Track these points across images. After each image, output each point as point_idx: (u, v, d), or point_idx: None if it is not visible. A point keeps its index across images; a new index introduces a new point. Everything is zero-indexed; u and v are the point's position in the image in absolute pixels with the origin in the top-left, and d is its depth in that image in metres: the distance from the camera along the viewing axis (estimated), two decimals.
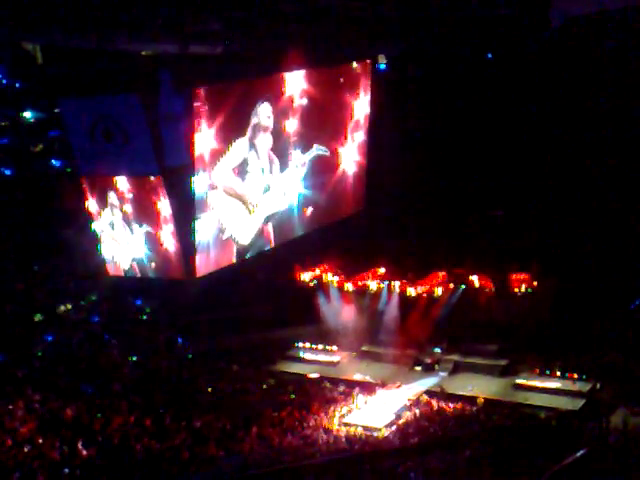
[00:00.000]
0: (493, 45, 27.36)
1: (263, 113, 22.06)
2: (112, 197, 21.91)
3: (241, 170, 21.93)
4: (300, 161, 23.82)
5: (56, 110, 23.78)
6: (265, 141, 22.46)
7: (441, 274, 30.64)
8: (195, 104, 19.52)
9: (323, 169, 25.03)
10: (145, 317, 30.36)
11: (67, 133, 21.99)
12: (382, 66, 27.15)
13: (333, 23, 21.40)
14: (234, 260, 22.84)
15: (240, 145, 21.63)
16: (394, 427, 24.32)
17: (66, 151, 24.16)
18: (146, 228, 21.78)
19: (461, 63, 28.58)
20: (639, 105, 27.11)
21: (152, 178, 20.67)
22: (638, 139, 27.62)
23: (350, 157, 25.72)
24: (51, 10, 17.03)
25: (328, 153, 24.75)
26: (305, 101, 23.09)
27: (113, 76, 19.89)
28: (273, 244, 23.91)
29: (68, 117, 21.41)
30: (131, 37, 19.40)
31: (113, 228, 22.42)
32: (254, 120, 21.89)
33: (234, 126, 21.24)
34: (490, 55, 28.62)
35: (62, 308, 29.06)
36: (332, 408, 25.55)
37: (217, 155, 20.88)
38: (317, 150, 24.23)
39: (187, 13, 18.37)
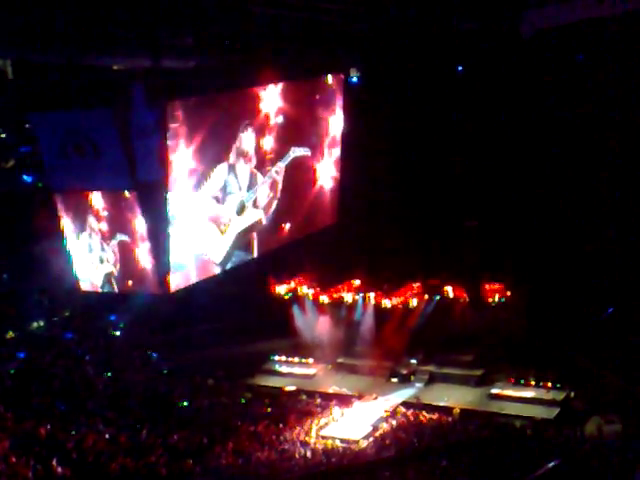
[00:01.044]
0: (463, 57, 27.59)
1: (245, 139, 21.96)
2: (88, 215, 21.65)
3: (220, 195, 21.83)
4: (277, 168, 23.74)
5: (27, 125, 23.57)
6: (245, 163, 22.36)
7: (416, 285, 30.74)
8: (172, 124, 19.33)
9: (298, 183, 24.98)
10: (119, 332, 30.12)
11: (38, 148, 21.77)
12: (354, 79, 27.28)
13: (305, 37, 21.50)
14: (216, 272, 22.69)
15: (220, 170, 21.49)
16: (371, 439, 24.31)
17: (38, 166, 23.95)
18: (121, 238, 21.54)
19: (431, 76, 28.73)
20: (609, 115, 27.44)
21: (127, 194, 20.50)
22: (611, 150, 27.93)
23: (325, 171, 25.76)
24: (21, 25, 16.93)
25: (309, 153, 24.67)
26: (282, 119, 23.05)
27: (84, 91, 19.72)
28: (256, 254, 23.80)
29: (39, 132, 21.16)
30: (103, 51, 19.37)
31: (90, 249, 22.17)
32: (236, 144, 21.75)
33: (213, 150, 21.06)
34: (460, 68, 28.83)
35: (35, 325, 28.76)
36: (309, 421, 25.49)
37: (194, 177, 20.70)
38: (293, 153, 24.09)
39: (159, 27, 18.34)
